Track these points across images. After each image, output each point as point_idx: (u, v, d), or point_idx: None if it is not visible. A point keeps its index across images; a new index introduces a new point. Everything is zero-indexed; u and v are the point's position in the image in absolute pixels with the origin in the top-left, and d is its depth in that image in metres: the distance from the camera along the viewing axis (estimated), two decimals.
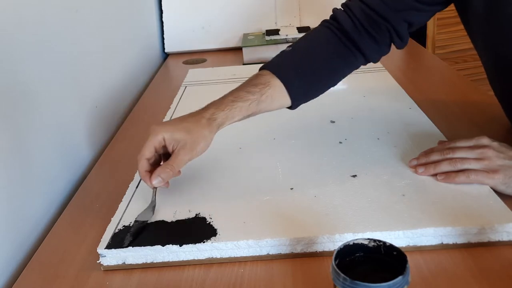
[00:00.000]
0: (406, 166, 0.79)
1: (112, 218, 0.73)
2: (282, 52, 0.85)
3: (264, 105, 0.78)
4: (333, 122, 0.99)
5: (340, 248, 0.50)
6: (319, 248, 0.65)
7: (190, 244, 0.65)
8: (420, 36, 2.03)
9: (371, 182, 0.76)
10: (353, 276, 0.46)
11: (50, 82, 0.89)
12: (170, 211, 0.73)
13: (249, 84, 0.79)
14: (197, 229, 0.68)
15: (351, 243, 0.51)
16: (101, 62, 1.14)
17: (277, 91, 0.79)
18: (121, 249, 0.65)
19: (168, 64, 1.59)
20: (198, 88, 1.26)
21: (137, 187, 0.81)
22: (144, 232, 0.69)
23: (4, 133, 0.74)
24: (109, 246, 0.66)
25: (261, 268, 0.64)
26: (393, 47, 0.87)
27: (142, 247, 0.65)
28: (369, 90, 1.14)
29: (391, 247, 0.49)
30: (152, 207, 0.73)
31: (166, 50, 1.65)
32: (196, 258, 0.66)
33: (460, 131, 0.92)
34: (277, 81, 0.79)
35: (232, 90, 0.79)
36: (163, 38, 1.64)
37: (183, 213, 0.72)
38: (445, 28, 2.07)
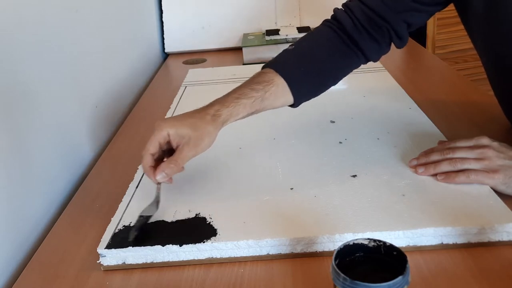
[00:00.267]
0: (406, 166, 0.79)
1: (112, 218, 0.73)
2: (285, 50, 0.86)
3: (268, 103, 0.79)
4: (333, 122, 0.99)
5: (340, 248, 0.50)
6: (319, 248, 0.65)
7: (190, 244, 0.65)
8: (420, 36, 2.03)
9: (371, 182, 0.76)
10: (353, 276, 0.46)
11: (50, 82, 0.89)
12: (170, 211, 0.73)
13: (253, 82, 0.80)
14: (197, 229, 0.68)
15: (351, 243, 0.51)
16: (101, 62, 1.14)
17: (280, 89, 0.80)
18: (121, 249, 0.65)
19: (168, 64, 1.59)
20: (198, 88, 1.26)
21: (137, 187, 0.81)
22: (144, 232, 0.69)
23: (4, 133, 0.74)
24: (109, 246, 0.66)
25: (261, 268, 0.64)
26: (393, 46, 0.87)
27: (142, 247, 0.65)
28: (369, 90, 1.14)
29: (391, 247, 0.49)
30: (156, 202, 0.73)
31: (166, 50, 1.65)
32: (196, 258, 0.66)
33: (460, 131, 0.92)
34: (280, 79, 0.80)
35: (236, 88, 0.79)
36: (163, 38, 1.64)
37: (183, 213, 0.72)
38: (445, 28, 2.07)
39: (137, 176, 0.84)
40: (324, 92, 0.86)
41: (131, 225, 0.70)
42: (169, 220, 0.71)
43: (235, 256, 0.66)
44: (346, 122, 0.98)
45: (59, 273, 0.67)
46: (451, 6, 0.86)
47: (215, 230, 0.68)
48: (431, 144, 0.83)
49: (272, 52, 1.48)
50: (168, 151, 0.75)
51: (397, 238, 0.64)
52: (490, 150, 0.73)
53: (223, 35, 1.63)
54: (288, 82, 0.80)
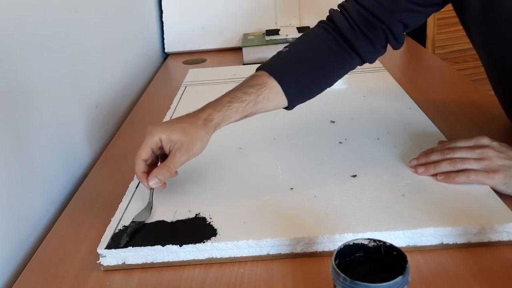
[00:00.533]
0: (406, 166, 0.79)
1: (112, 218, 0.73)
2: (279, 52, 0.86)
3: (261, 106, 0.78)
4: (333, 122, 0.99)
5: (340, 248, 0.50)
6: (319, 248, 0.65)
7: (190, 244, 0.65)
8: (420, 36, 2.03)
9: (371, 182, 0.76)
10: (353, 276, 0.46)
11: (50, 82, 0.89)
12: (170, 211, 0.73)
13: (246, 85, 0.79)
14: (197, 229, 0.68)
15: (351, 243, 0.51)
16: (101, 62, 1.14)
17: (273, 92, 0.79)
18: (121, 249, 0.65)
19: (168, 64, 1.59)
20: (198, 88, 1.26)
21: (137, 187, 0.81)
22: (144, 232, 0.69)
23: (4, 133, 0.74)
24: (109, 246, 0.66)
25: (261, 268, 0.64)
26: (389, 47, 0.87)
27: (142, 247, 0.65)
28: (369, 90, 1.14)
29: (391, 247, 0.49)
30: (150, 207, 0.73)
31: (166, 50, 1.65)
32: (196, 258, 0.66)
33: (460, 131, 0.92)
34: (273, 82, 0.80)
35: (229, 91, 0.79)
36: (163, 38, 1.64)
37: (183, 213, 0.72)
38: (445, 28, 2.07)
39: None
40: (324, 92, 0.86)
41: (128, 226, 0.70)
42: (169, 220, 0.71)
43: (235, 256, 0.66)
44: (346, 122, 0.98)
45: (59, 273, 0.67)
46: (451, 7, 0.86)
47: (215, 230, 0.68)
48: (431, 144, 0.83)
49: (272, 52, 1.46)
50: (161, 155, 0.75)
51: (397, 238, 0.64)
52: (490, 150, 0.73)
53: (223, 35, 1.63)
54: (281, 85, 0.80)
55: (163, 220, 0.71)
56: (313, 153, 0.87)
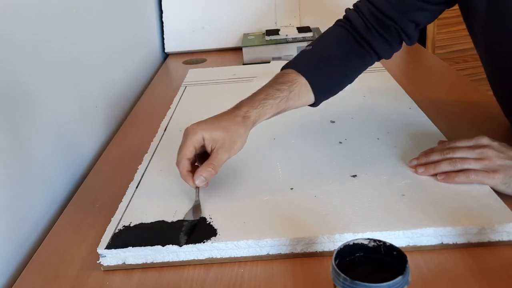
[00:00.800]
0: (406, 166, 0.79)
1: (112, 218, 0.73)
2: (303, 51, 0.88)
3: (292, 102, 0.80)
4: (333, 122, 0.99)
5: (340, 248, 0.50)
6: (319, 248, 0.65)
7: (190, 244, 0.65)
8: (420, 36, 2.02)
9: (371, 182, 0.76)
10: (353, 276, 0.46)
11: (50, 82, 0.89)
12: (170, 211, 0.73)
13: (277, 82, 0.81)
14: (197, 229, 0.68)
15: (351, 243, 0.51)
16: (101, 62, 1.14)
17: (303, 88, 0.82)
18: (121, 249, 0.65)
19: (168, 64, 1.59)
20: (198, 88, 1.26)
21: (137, 187, 0.81)
22: (144, 232, 0.69)
23: (4, 133, 0.74)
24: (109, 246, 0.66)
25: (261, 268, 0.64)
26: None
27: (142, 247, 0.65)
28: (369, 90, 1.14)
29: (391, 247, 0.49)
30: (198, 205, 0.73)
31: (166, 50, 1.65)
32: (196, 258, 0.66)
33: (460, 131, 0.92)
34: (302, 79, 0.82)
35: (261, 88, 0.81)
36: (163, 38, 1.64)
37: (183, 213, 0.72)
38: (445, 28, 2.07)
39: (137, 176, 0.84)
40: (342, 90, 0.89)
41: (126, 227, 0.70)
42: (169, 220, 0.71)
43: (235, 256, 0.66)
44: (346, 122, 0.98)
45: (59, 273, 0.67)
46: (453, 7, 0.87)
47: (215, 230, 0.68)
48: (431, 144, 0.83)
49: (272, 52, 1.48)
50: (198, 156, 0.76)
51: (397, 238, 0.64)
52: (490, 150, 0.73)
53: (223, 35, 1.63)
54: (309, 81, 0.82)
55: (163, 220, 0.71)
56: (313, 153, 0.87)
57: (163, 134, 1.00)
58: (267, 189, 0.77)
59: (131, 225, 0.70)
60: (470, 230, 0.64)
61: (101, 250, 0.66)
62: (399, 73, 1.26)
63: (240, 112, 0.76)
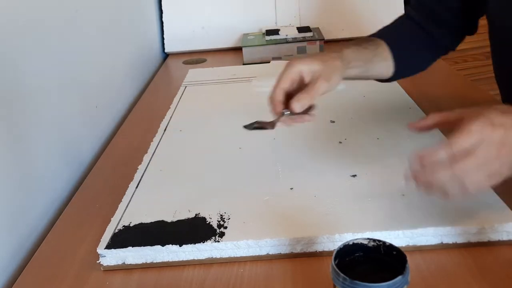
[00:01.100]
0: (406, 166, 0.79)
1: (112, 218, 0.73)
2: (374, 34, 0.91)
3: (377, 60, 0.84)
4: (333, 122, 0.99)
5: (340, 248, 0.50)
6: (319, 248, 0.65)
7: (190, 244, 0.65)
8: None
9: (371, 182, 0.76)
10: (352, 276, 0.46)
11: (50, 82, 0.89)
12: (170, 211, 0.73)
13: (363, 40, 0.85)
14: (197, 229, 0.68)
15: (351, 243, 0.51)
16: (101, 62, 1.14)
17: (386, 53, 0.86)
18: (121, 249, 0.65)
19: (168, 64, 1.59)
20: (198, 88, 1.26)
21: (137, 187, 0.81)
22: (144, 232, 0.69)
23: (5, 133, 0.74)
24: (109, 246, 0.66)
25: (261, 268, 0.64)
26: None
27: (142, 247, 0.65)
28: (369, 90, 1.14)
29: (391, 247, 0.49)
30: (275, 123, 0.75)
31: (166, 50, 1.65)
32: (196, 258, 0.66)
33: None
34: (385, 46, 0.86)
35: (348, 43, 0.83)
36: (163, 38, 1.64)
37: (183, 213, 0.72)
38: None
39: (137, 176, 0.84)
40: (413, 75, 0.94)
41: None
42: (169, 220, 0.71)
43: (235, 256, 0.66)
44: (346, 122, 0.98)
45: (59, 273, 0.67)
46: None
47: (215, 230, 0.68)
48: (431, 144, 0.83)
49: (272, 52, 1.48)
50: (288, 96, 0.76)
51: (397, 238, 0.64)
52: (488, 146, 0.59)
53: (223, 35, 1.63)
54: (392, 51, 0.86)
55: (163, 220, 0.71)
56: (313, 153, 0.87)
57: (163, 134, 1.00)
58: (267, 189, 0.77)
59: (131, 225, 0.70)
60: (470, 230, 0.64)
61: (101, 250, 0.66)
62: None
63: (334, 53, 0.77)
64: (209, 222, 0.70)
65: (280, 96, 0.73)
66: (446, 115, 0.69)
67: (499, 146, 0.58)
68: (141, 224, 0.71)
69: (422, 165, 0.61)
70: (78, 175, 0.96)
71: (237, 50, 1.59)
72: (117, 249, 0.66)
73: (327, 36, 1.51)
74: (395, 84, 1.17)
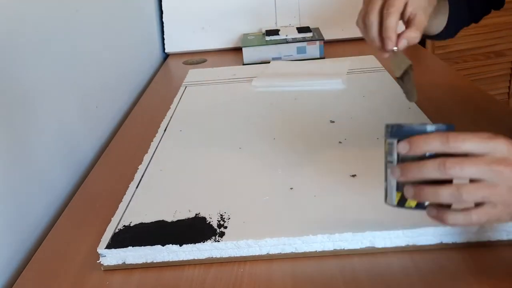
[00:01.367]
0: None
1: (112, 218, 0.73)
2: None
3: (438, 16, 0.82)
4: (333, 122, 0.99)
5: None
6: (319, 247, 0.65)
7: (190, 244, 0.65)
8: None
9: (371, 182, 0.76)
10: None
11: (50, 82, 0.89)
12: (170, 211, 0.73)
13: None
14: (197, 229, 0.68)
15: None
16: (101, 62, 1.14)
17: (445, 10, 0.84)
18: (121, 249, 0.66)
19: (168, 64, 1.59)
20: (198, 88, 1.26)
21: (137, 187, 0.81)
22: (144, 232, 0.69)
23: (5, 133, 0.74)
24: (109, 246, 0.66)
25: (261, 268, 0.64)
26: None
27: (142, 246, 0.65)
28: (369, 90, 1.14)
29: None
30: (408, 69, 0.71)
31: (166, 50, 1.65)
32: (196, 258, 0.66)
33: (460, 131, 0.92)
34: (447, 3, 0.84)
35: None
36: (163, 38, 1.64)
37: (183, 213, 0.72)
38: None
39: (137, 176, 0.84)
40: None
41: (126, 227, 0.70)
42: (169, 220, 0.71)
43: (235, 255, 0.66)
44: (346, 122, 0.98)
45: (59, 273, 0.67)
46: None
47: (215, 229, 0.68)
48: None
49: (272, 52, 1.48)
50: None
51: (397, 237, 0.64)
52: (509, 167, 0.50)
53: (223, 35, 1.63)
54: (450, 5, 0.84)
55: (163, 220, 0.71)
56: (313, 153, 0.87)
57: (163, 134, 1.00)
58: (267, 189, 0.77)
59: (131, 225, 0.71)
60: (470, 229, 0.64)
61: (101, 250, 0.66)
62: None
63: None
64: (209, 222, 0.70)
65: (397, 24, 0.67)
66: None
67: None
68: (141, 224, 0.71)
69: (412, 150, 0.53)
70: (78, 175, 0.96)
71: (237, 50, 1.59)
72: (117, 249, 0.66)
73: (327, 36, 1.51)
74: (395, 84, 1.17)
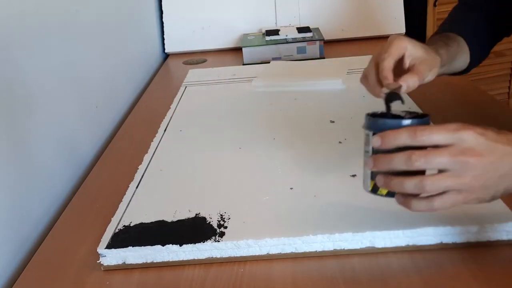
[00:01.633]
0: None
1: (112, 218, 0.73)
2: (442, 27, 0.92)
3: (457, 59, 0.83)
4: (333, 122, 0.99)
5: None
6: (319, 247, 0.65)
7: (190, 244, 0.65)
8: (420, 36, 2.03)
9: None
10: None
11: (50, 82, 0.89)
12: (170, 211, 0.73)
13: (443, 36, 0.85)
14: (197, 229, 0.68)
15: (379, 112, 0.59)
16: (101, 62, 1.14)
17: (461, 47, 0.85)
18: (121, 249, 0.66)
19: (168, 64, 1.59)
20: (198, 88, 1.26)
21: (137, 187, 0.81)
22: (144, 232, 0.69)
23: (5, 133, 0.74)
24: (109, 246, 0.66)
25: (261, 268, 0.64)
26: None
27: (142, 246, 0.65)
28: None
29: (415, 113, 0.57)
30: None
31: (166, 50, 1.65)
32: (196, 258, 0.66)
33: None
34: (464, 43, 0.86)
35: (433, 39, 0.84)
36: (163, 38, 1.64)
37: (183, 213, 0.72)
38: None
39: (137, 176, 0.84)
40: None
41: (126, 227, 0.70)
42: (169, 220, 0.71)
43: (235, 255, 0.66)
44: (346, 122, 0.98)
45: (59, 273, 0.67)
46: (447, 7, 0.88)
47: (215, 229, 0.68)
48: None
49: (272, 52, 1.48)
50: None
51: (397, 237, 0.64)
52: (474, 157, 0.52)
53: (223, 35, 1.63)
54: (469, 45, 0.85)
55: (163, 220, 0.71)
56: (313, 153, 0.87)
57: (163, 134, 1.00)
58: (267, 189, 0.77)
59: (131, 225, 0.71)
60: (470, 229, 0.64)
61: (101, 250, 0.66)
62: None
63: (431, 48, 0.75)
64: (209, 222, 0.70)
65: (392, 65, 0.67)
66: None
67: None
68: (141, 224, 0.71)
69: (383, 144, 0.55)
70: (78, 175, 0.96)
71: (237, 50, 1.59)
72: (117, 249, 0.66)
73: (327, 36, 1.51)
74: None
